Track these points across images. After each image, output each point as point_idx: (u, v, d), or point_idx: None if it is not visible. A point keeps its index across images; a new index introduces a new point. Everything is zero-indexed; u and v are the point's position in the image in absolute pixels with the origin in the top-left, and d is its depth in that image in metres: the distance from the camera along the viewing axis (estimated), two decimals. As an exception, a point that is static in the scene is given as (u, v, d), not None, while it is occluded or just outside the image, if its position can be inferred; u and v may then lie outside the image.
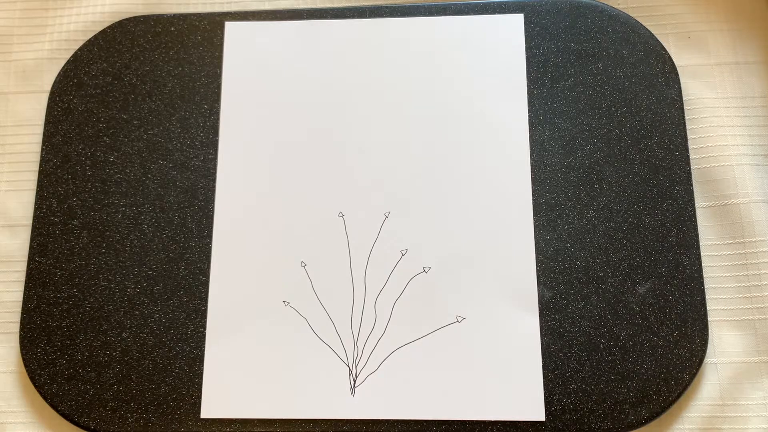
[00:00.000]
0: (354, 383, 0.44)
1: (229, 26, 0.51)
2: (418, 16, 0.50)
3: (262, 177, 0.48)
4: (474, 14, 0.50)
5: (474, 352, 0.44)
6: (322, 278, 0.46)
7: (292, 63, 0.50)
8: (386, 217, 0.47)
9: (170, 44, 0.51)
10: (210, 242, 0.47)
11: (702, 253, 0.46)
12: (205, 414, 0.44)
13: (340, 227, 0.47)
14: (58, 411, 0.45)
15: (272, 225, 0.47)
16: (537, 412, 0.43)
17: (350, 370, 0.45)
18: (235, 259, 0.47)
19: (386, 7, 0.51)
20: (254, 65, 0.50)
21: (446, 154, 0.48)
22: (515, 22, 0.50)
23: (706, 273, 0.46)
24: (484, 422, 0.43)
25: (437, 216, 0.47)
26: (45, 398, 0.45)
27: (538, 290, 0.45)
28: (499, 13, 0.50)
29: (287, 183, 0.48)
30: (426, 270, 0.46)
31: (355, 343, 0.45)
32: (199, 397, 0.45)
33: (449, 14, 0.50)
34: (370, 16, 0.51)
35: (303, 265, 0.46)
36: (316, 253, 0.47)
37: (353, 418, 0.44)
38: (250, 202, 0.48)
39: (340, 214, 0.47)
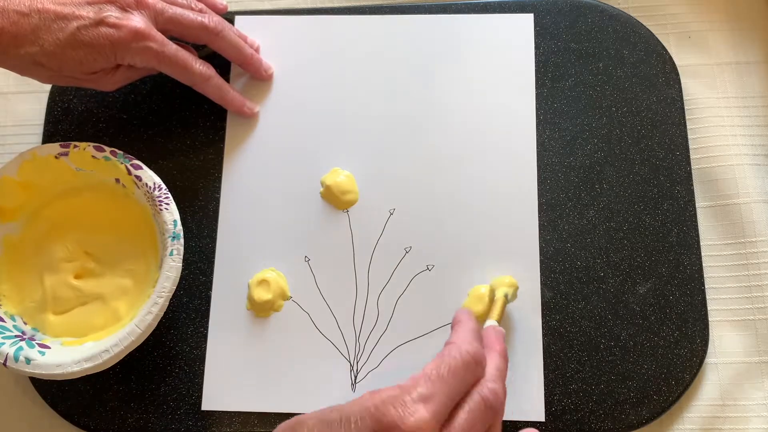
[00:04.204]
0: (355, 379, 0.44)
1: (239, 19, 0.51)
2: (424, 14, 0.50)
3: (267, 172, 0.48)
4: (477, 13, 0.50)
5: None
6: (325, 274, 0.46)
7: (301, 57, 0.50)
8: (391, 214, 0.47)
9: (170, 44, 0.51)
10: (210, 242, 0.47)
11: (702, 253, 0.46)
12: (205, 406, 0.44)
13: (344, 223, 0.47)
14: (58, 411, 0.45)
15: (276, 220, 0.47)
16: (537, 413, 0.43)
17: (351, 366, 0.45)
18: (239, 255, 0.47)
19: (387, 6, 0.51)
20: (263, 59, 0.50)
21: (453, 152, 0.48)
22: (525, 22, 0.50)
23: (707, 273, 0.46)
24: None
25: (442, 214, 0.47)
26: (45, 398, 0.45)
27: (540, 290, 0.45)
28: (500, 12, 0.50)
29: (292, 178, 0.48)
30: (429, 268, 0.46)
31: (357, 339, 0.45)
32: (200, 397, 0.44)
33: (451, 13, 0.50)
34: (370, 14, 0.51)
35: (307, 260, 0.46)
36: (320, 248, 0.47)
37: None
38: (254, 197, 0.48)
39: (345, 210, 0.47)
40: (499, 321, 0.41)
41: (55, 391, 0.45)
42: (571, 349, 0.44)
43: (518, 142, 0.48)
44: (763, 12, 0.51)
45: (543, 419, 0.43)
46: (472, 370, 0.34)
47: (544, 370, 0.44)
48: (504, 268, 0.45)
